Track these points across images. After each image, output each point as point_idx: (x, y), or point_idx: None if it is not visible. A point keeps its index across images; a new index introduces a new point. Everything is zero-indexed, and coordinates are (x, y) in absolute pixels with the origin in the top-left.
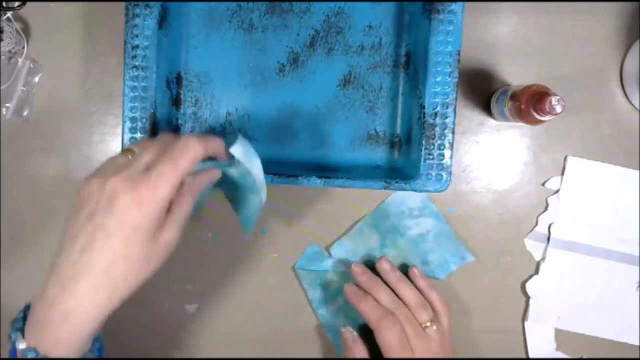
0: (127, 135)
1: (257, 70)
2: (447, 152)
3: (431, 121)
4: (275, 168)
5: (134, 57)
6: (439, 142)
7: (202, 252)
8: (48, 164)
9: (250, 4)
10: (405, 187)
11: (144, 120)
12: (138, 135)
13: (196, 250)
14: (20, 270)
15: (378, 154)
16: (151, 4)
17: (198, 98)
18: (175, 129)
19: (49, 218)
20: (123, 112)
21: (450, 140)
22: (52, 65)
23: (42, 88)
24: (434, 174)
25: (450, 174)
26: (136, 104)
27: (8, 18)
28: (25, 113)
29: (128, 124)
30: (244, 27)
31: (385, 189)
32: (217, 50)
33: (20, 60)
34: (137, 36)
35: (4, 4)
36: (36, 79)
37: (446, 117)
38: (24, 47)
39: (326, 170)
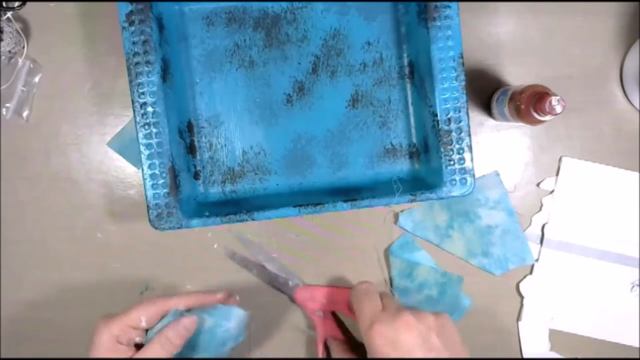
0: (150, 192)
1: (265, 105)
2: (467, 155)
3: (446, 127)
4: (300, 199)
5: (144, 114)
6: (457, 146)
7: (201, 252)
8: (48, 164)
9: (248, 41)
10: (432, 196)
11: (164, 174)
12: (161, 191)
13: (195, 250)
14: (20, 270)
15: (398, 167)
16: (152, 59)
17: (212, 142)
18: (195, 176)
19: (49, 218)
20: (142, 170)
21: (469, 143)
22: (52, 65)
23: (42, 88)
24: (457, 178)
25: (473, 176)
26: (154, 161)
27: (8, 18)
28: (25, 113)
29: (149, 182)
30: (245, 65)
31: (411, 202)
32: (223, 92)
33: (20, 60)
34: (143, 94)
35: (4, 4)
36: (36, 79)
37: (460, 121)
38: (24, 47)
39: (350, 192)
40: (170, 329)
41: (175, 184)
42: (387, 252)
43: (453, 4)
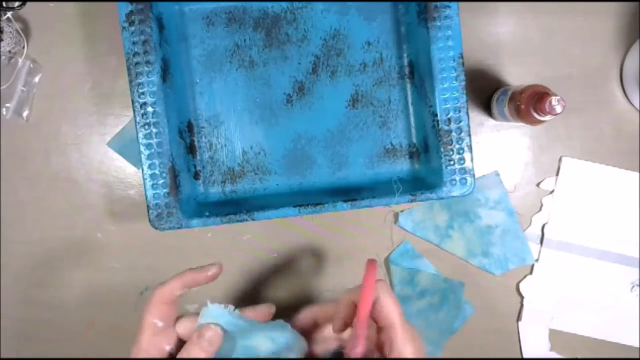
0: (150, 192)
1: (265, 105)
2: (467, 155)
3: (446, 127)
4: (300, 199)
5: (144, 114)
6: (457, 146)
7: (201, 252)
8: (48, 164)
9: (248, 41)
10: (432, 196)
11: (164, 174)
12: (161, 191)
13: (196, 250)
14: (20, 269)
15: (398, 167)
16: (152, 59)
17: (212, 142)
18: (195, 176)
19: (49, 218)
20: (142, 170)
21: (469, 143)
22: (52, 65)
23: (42, 88)
24: (457, 178)
25: (473, 176)
26: (154, 161)
27: (8, 18)
28: (25, 113)
29: (149, 182)
30: (245, 65)
31: (411, 202)
32: (223, 92)
33: (20, 60)
34: (143, 94)
35: (4, 4)
36: (36, 79)
37: (460, 121)
38: (24, 47)
39: (350, 192)
40: (194, 344)
41: (175, 184)
42: (388, 261)
43: (453, 4)
